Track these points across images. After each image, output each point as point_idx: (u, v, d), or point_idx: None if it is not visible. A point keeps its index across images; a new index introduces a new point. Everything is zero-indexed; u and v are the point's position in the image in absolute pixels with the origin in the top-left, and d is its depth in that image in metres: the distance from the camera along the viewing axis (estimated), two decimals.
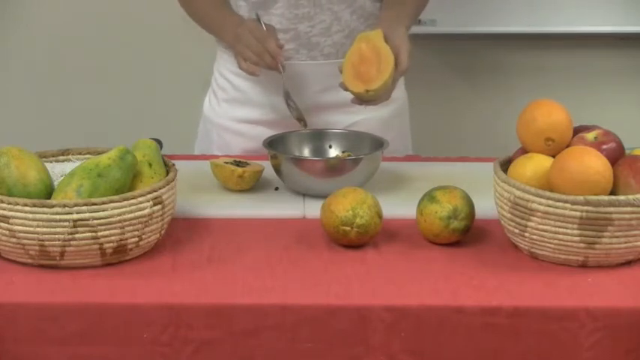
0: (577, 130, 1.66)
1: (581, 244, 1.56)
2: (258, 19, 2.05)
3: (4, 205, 1.52)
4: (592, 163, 1.56)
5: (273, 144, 1.92)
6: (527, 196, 1.57)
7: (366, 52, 1.95)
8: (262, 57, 2.00)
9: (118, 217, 1.54)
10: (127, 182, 1.60)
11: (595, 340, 1.48)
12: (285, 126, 2.07)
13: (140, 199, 1.55)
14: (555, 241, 1.57)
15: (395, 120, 2.22)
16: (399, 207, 1.76)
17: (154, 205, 1.57)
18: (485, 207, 1.69)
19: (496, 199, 1.65)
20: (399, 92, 2.22)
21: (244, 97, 2.18)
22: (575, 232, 1.55)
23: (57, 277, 1.54)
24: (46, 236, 1.52)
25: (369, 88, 1.92)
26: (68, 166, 1.66)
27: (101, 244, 1.54)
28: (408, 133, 2.28)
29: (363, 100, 1.94)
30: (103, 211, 1.52)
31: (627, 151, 1.65)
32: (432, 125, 3.04)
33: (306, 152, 1.99)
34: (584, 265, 1.59)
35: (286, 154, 1.90)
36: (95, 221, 1.52)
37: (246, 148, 2.14)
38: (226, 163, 1.90)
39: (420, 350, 1.48)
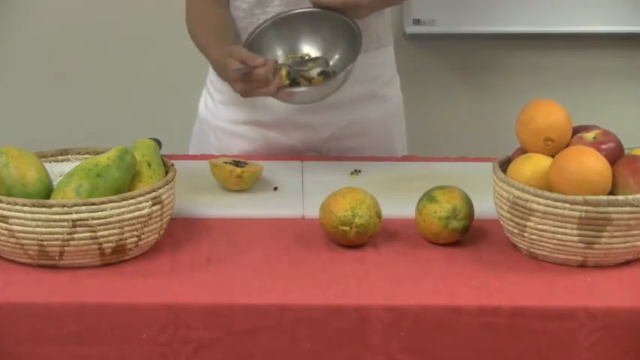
0: (576, 130, 1.66)
1: (580, 244, 1.56)
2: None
3: (3, 205, 1.52)
4: (591, 163, 1.56)
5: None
6: (526, 196, 1.57)
7: None
8: (256, 89, 1.91)
9: (117, 217, 1.53)
10: (126, 182, 1.60)
11: (594, 340, 1.48)
12: (283, 127, 2.07)
13: (139, 199, 1.55)
14: (554, 241, 1.57)
15: (391, 120, 2.21)
16: (398, 207, 1.76)
17: (153, 205, 1.57)
18: (485, 207, 1.69)
19: (495, 199, 1.65)
20: (394, 92, 2.22)
21: (241, 98, 2.16)
22: (574, 232, 1.55)
23: (56, 277, 1.54)
24: (45, 236, 1.52)
25: None
26: (67, 166, 1.65)
27: (100, 244, 1.54)
28: (403, 134, 2.27)
29: None
30: (102, 211, 1.52)
31: (626, 151, 1.65)
32: (431, 125, 3.04)
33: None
34: (583, 265, 1.59)
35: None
36: (94, 221, 1.52)
37: (245, 150, 2.13)
38: (225, 163, 1.89)
39: (419, 350, 1.48)
